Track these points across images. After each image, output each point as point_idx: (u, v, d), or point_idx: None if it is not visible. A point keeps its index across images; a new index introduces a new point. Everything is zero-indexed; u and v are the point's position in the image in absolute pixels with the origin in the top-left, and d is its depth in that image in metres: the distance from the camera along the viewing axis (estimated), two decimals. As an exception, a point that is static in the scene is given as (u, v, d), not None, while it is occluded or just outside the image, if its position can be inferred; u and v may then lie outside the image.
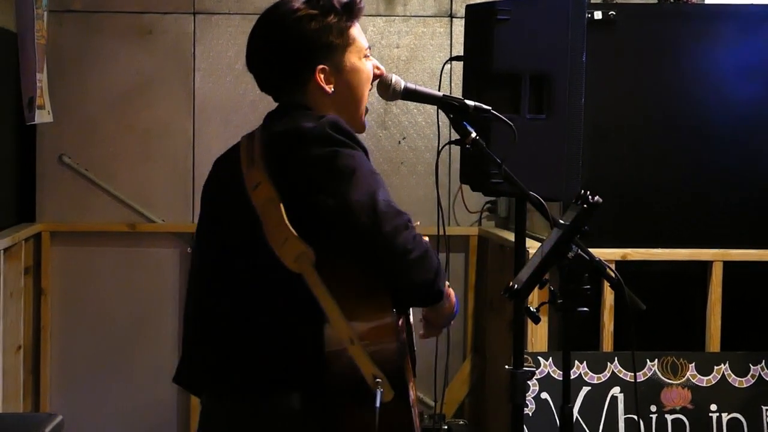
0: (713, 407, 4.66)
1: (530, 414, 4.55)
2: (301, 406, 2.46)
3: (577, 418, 4.58)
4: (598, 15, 4.64)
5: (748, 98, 4.73)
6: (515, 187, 2.80)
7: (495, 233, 5.53)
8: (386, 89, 2.75)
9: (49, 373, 5.65)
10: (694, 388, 4.66)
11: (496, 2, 4.08)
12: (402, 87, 2.76)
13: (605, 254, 4.49)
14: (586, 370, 4.63)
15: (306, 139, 2.48)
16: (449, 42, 5.82)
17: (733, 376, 4.69)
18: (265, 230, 2.46)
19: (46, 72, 5.28)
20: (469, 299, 5.86)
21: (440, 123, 3.24)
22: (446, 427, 5.41)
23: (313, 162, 2.46)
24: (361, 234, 2.39)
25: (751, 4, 5.04)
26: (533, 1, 4.15)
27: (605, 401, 4.63)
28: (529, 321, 3.19)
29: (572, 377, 4.53)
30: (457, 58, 4.40)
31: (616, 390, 4.64)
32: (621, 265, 4.60)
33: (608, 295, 4.63)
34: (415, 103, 3.73)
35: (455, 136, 2.82)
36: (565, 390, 2.79)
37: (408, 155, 5.82)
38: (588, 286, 2.68)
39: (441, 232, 4.00)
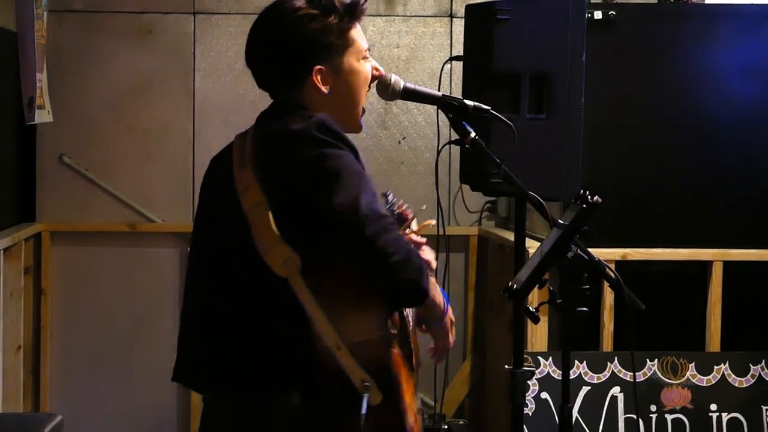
0: (713, 407, 4.66)
1: (530, 414, 4.55)
2: (301, 406, 2.46)
3: (577, 418, 4.58)
4: (598, 15, 4.64)
5: (748, 98, 4.73)
6: (515, 187, 2.80)
7: (495, 233, 5.53)
8: (385, 89, 2.76)
9: (49, 373, 5.65)
10: (694, 388, 4.66)
11: (496, 2, 4.08)
12: (401, 87, 2.76)
13: (605, 254, 4.49)
14: (586, 369, 4.63)
15: (292, 142, 2.49)
16: (449, 42, 5.82)
17: (733, 375, 4.69)
18: (253, 234, 2.47)
19: (46, 72, 5.28)
20: (469, 299, 5.87)
21: (440, 123, 3.24)
22: (446, 427, 5.41)
23: (298, 165, 2.46)
24: (342, 238, 2.39)
25: (751, 4, 5.04)
26: (533, 1, 4.15)
27: (605, 401, 4.63)
28: (529, 321, 3.19)
29: (572, 377, 4.54)
30: (457, 58, 4.40)
31: (616, 390, 4.64)
32: (621, 265, 4.60)
33: (608, 295, 4.63)
34: (415, 103, 3.74)
35: (455, 136, 2.82)
36: (565, 390, 2.79)
37: (408, 155, 5.82)
38: (587, 286, 2.68)
39: (441, 232, 4.00)
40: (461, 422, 5.61)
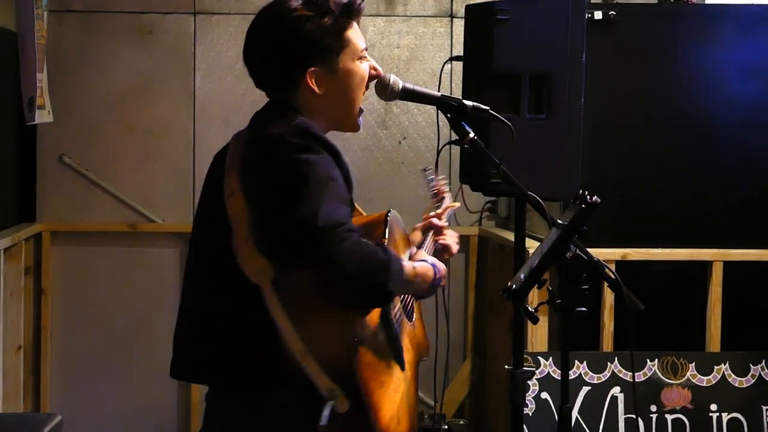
0: (713, 407, 4.66)
1: (530, 414, 4.55)
2: (300, 406, 2.47)
3: (577, 418, 4.58)
4: (598, 15, 4.64)
5: (748, 98, 4.73)
6: (514, 187, 2.80)
7: (495, 233, 5.53)
8: (384, 89, 2.76)
9: (49, 373, 5.65)
10: (694, 388, 4.66)
11: (496, 2, 4.08)
12: (400, 87, 2.76)
13: (605, 254, 4.49)
14: (586, 369, 4.63)
15: (268, 148, 2.51)
16: (450, 42, 5.82)
17: (734, 375, 4.69)
18: (234, 241, 2.50)
19: (46, 72, 5.28)
20: (469, 299, 5.86)
21: (440, 123, 3.24)
22: (446, 427, 5.41)
23: (270, 172, 2.48)
24: (300, 249, 2.39)
25: (751, 4, 5.04)
26: (533, 1, 4.15)
27: (605, 401, 4.63)
28: (529, 321, 3.19)
29: (572, 377, 4.54)
30: (457, 58, 4.41)
31: (616, 390, 4.63)
32: (621, 265, 4.60)
33: (608, 295, 4.63)
34: (415, 103, 3.74)
35: (455, 136, 2.82)
36: (564, 390, 2.79)
37: (408, 155, 5.82)
38: (586, 286, 2.67)
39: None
40: (461, 422, 5.61)
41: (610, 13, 4.65)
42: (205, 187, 2.69)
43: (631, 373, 4.61)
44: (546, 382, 4.60)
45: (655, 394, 4.65)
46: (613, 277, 2.72)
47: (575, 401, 4.60)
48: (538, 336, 4.65)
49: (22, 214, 5.61)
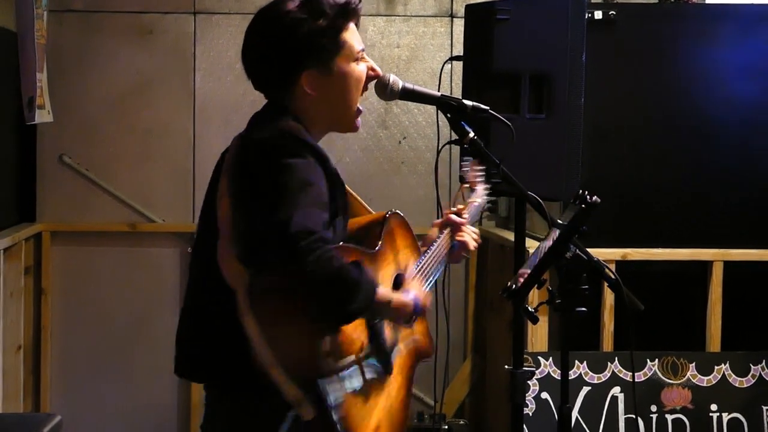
0: (713, 407, 4.66)
1: (530, 414, 4.55)
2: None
3: (577, 418, 4.58)
4: (598, 15, 4.63)
5: (748, 98, 4.73)
6: (514, 187, 2.80)
7: (495, 233, 5.53)
8: (384, 89, 2.76)
9: (49, 373, 5.65)
10: (694, 388, 4.66)
11: (496, 2, 4.08)
12: (400, 87, 2.76)
13: (605, 254, 4.49)
14: (587, 370, 4.63)
15: (252, 152, 2.52)
16: (450, 42, 5.81)
17: (734, 376, 4.69)
18: (219, 245, 2.51)
19: (46, 72, 5.28)
20: (469, 299, 5.86)
21: (440, 123, 3.24)
22: (446, 427, 5.41)
23: (250, 177, 2.49)
24: (269, 256, 2.37)
25: (751, 4, 5.04)
26: (533, 1, 4.15)
27: (605, 401, 4.63)
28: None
29: (572, 377, 4.54)
30: (457, 58, 4.41)
31: (616, 390, 4.63)
32: (621, 265, 4.60)
33: (608, 295, 4.63)
34: (415, 103, 3.74)
35: (456, 136, 2.82)
36: (564, 390, 2.79)
37: (408, 155, 5.82)
38: (586, 286, 2.67)
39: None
40: (461, 422, 5.60)
41: (610, 12, 4.65)
42: (207, 187, 2.70)
43: (631, 373, 4.61)
44: (546, 382, 4.60)
45: (655, 394, 4.64)
46: (612, 277, 2.72)
47: (575, 401, 4.60)
48: (538, 336, 4.65)
49: (22, 214, 5.61)
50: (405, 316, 2.60)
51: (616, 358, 4.65)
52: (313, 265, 2.32)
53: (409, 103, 4.56)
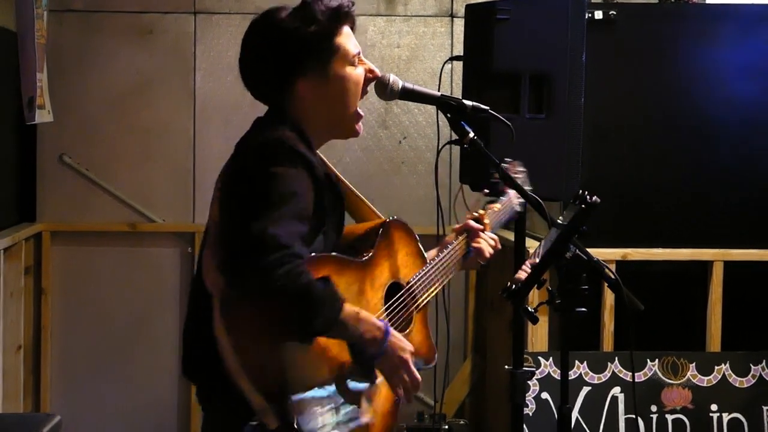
0: (714, 407, 4.66)
1: (530, 414, 4.54)
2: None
3: (577, 418, 4.58)
4: (598, 15, 4.63)
5: (748, 98, 4.72)
6: (514, 187, 2.80)
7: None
8: (384, 89, 2.75)
9: (49, 373, 5.65)
10: (694, 388, 4.66)
11: (496, 2, 4.08)
12: (399, 87, 2.76)
13: (606, 254, 4.49)
14: (587, 370, 4.63)
15: (242, 159, 2.54)
16: (450, 42, 5.81)
17: (734, 376, 4.68)
18: (206, 250, 2.52)
19: (46, 72, 5.28)
20: (469, 299, 5.86)
21: (440, 123, 3.23)
22: (447, 427, 5.41)
23: (236, 184, 2.50)
24: (239, 262, 2.36)
25: (751, 4, 5.03)
26: (533, 1, 4.15)
27: (606, 401, 4.63)
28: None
29: (573, 377, 4.54)
30: (457, 58, 4.40)
31: (616, 390, 4.63)
32: (621, 264, 4.60)
33: (608, 295, 4.63)
34: (415, 102, 3.74)
35: (456, 136, 2.81)
36: (564, 390, 2.78)
37: (409, 155, 5.81)
38: (586, 287, 2.67)
39: (441, 232, 3.99)
40: (462, 422, 5.60)
41: (611, 12, 4.64)
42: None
43: (631, 373, 4.60)
44: (546, 382, 4.60)
45: (655, 394, 4.64)
46: (612, 277, 2.71)
47: (575, 401, 4.60)
48: (538, 336, 4.65)
49: (22, 213, 5.61)
50: (374, 337, 2.51)
51: (617, 358, 4.65)
52: (282, 280, 2.31)
53: (410, 103, 4.56)
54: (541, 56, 4.07)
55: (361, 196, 2.92)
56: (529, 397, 4.55)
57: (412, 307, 2.80)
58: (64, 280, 5.71)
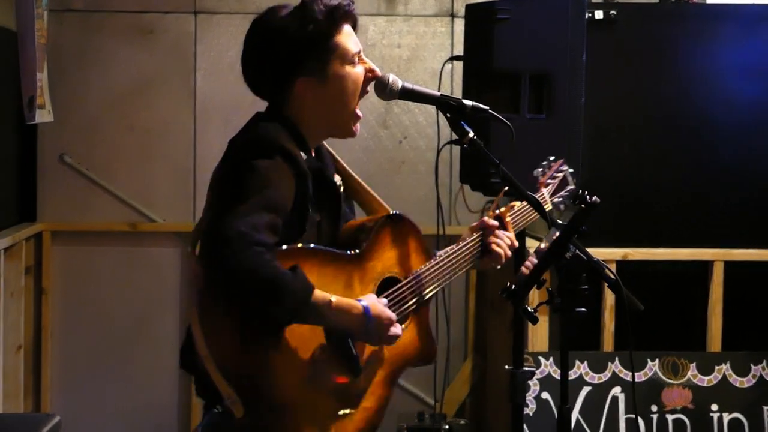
0: (714, 407, 4.65)
1: (531, 414, 4.54)
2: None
3: (578, 418, 4.58)
4: (599, 15, 4.63)
5: (748, 98, 4.72)
6: (513, 187, 2.80)
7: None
8: (384, 89, 2.75)
9: (49, 373, 5.65)
10: (695, 388, 4.66)
11: (497, 2, 4.08)
12: (399, 87, 2.76)
13: (606, 254, 4.49)
14: (587, 370, 4.63)
15: (228, 152, 2.59)
16: (450, 41, 5.81)
17: (734, 376, 4.68)
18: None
19: (46, 71, 5.28)
20: (470, 299, 5.86)
21: (441, 123, 3.24)
22: (447, 427, 5.40)
23: (219, 177, 2.55)
24: (206, 254, 2.38)
25: (752, 4, 5.03)
26: (533, 1, 4.15)
27: (606, 401, 4.63)
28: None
29: (573, 377, 4.54)
30: (457, 58, 4.41)
31: (617, 390, 4.63)
32: (621, 264, 4.60)
33: (609, 295, 4.62)
34: (415, 102, 3.75)
35: (456, 135, 2.81)
36: (564, 390, 2.78)
37: (409, 155, 5.81)
38: (586, 287, 2.67)
39: (441, 232, 4.00)
40: (462, 422, 5.59)
41: (611, 12, 4.64)
42: None
43: (631, 373, 4.60)
44: (547, 382, 4.60)
45: (655, 394, 4.64)
46: (612, 277, 2.71)
47: (576, 401, 4.60)
48: (538, 336, 4.64)
49: (22, 213, 5.61)
50: (353, 320, 2.52)
51: (617, 358, 4.64)
52: (242, 266, 2.33)
53: (410, 102, 4.55)
54: (541, 56, 4.07)
55: (372, 192, 2.93)
56: (530, 397, 4.54)
57: (410, 304, 2.78)
58: (65, 280, 5.71)
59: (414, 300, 2.78)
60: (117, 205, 5.71)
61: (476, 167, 4.06)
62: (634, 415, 4.60)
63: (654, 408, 4.63)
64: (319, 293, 2.44)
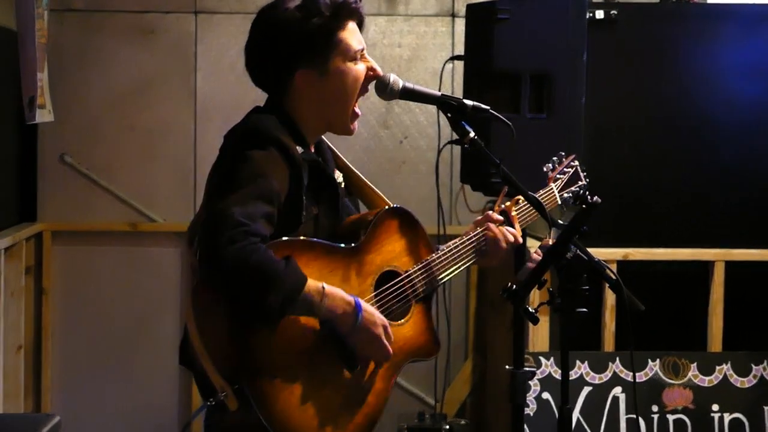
0: (715, 407, 4.65)
1: (531, 414, 4.54)
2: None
3: (578, 418, 4.58)
4: (599, 14, 4.62)
5: (748, 98, 4.72)
6: (514, 187, 2.79)
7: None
8: (384, 89, 2.76)
9: (49, 373, 5.65)
10: (695, 388, 4.65)
11: (497, 1, 4.08)
12: (400, 86, 2.76)
13: (607, 254, 4.49)
14: (588, 370, 4.63)
15: (224, 143, 2.61)
16: (451, 41, 5.81)
17: (735, 376, 4.68)
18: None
19: (46, 71, 5.27)
20: (470, 299, 5.86)
21: (441, 122, 3.24)
22: (447, 427, 5.40)
23: (215, 167, 2.60)
24: (202, 243, 2.40)
25: (752, 4, 5.03)
26: (534, 1, 4.15)
27: (606, 401, 4.63)
28: (530, 321, 3.17)
29: (574, 377, 4.54)
30: (458, 58, 4.41)
31: (617, 390, 4.63)
32: (622, 264, 4.60)
33: (609, 295, 4.62)
34: (416, 102, 3.75)
35: (456, 135, 2.81)
36: (564, 390, 2.78)
37: (410, 154, 5.81)
38: (586, 287, 2.67)
39: (442, 232, 3.99)
40: (462, 422, 5.59)
41: (612, 12, 4.64)
42: None
43: (632, 373, 4.60)
44: (547, 382, 4.59)
45: (656, 394, 4.64)
46: (613, 277, 2.71)
47: (576, 401, 4.59)
48: (539, 336, 4.64)
49: (22, 213, 5.61)
50: (344, 312, 2.53)
51: (618, 358, 4.64)
52: (235, 255, 2.34)
53: (411, 102, 4.55)
54: (541, 56, 4.07)
55: (374, 188, 2.93)
56: (530, 397, 4.54)
57: (411, 297, 2.78)
58: (65, 280, 5.71)
59: (414, 294, 2.77)
60: (117, 205, 5.71)
61: (477, 167, 4.06)
62: (634, 416, 4.59)
63: (655, 408, 4.63)
64: (312, 283, 2.46)
